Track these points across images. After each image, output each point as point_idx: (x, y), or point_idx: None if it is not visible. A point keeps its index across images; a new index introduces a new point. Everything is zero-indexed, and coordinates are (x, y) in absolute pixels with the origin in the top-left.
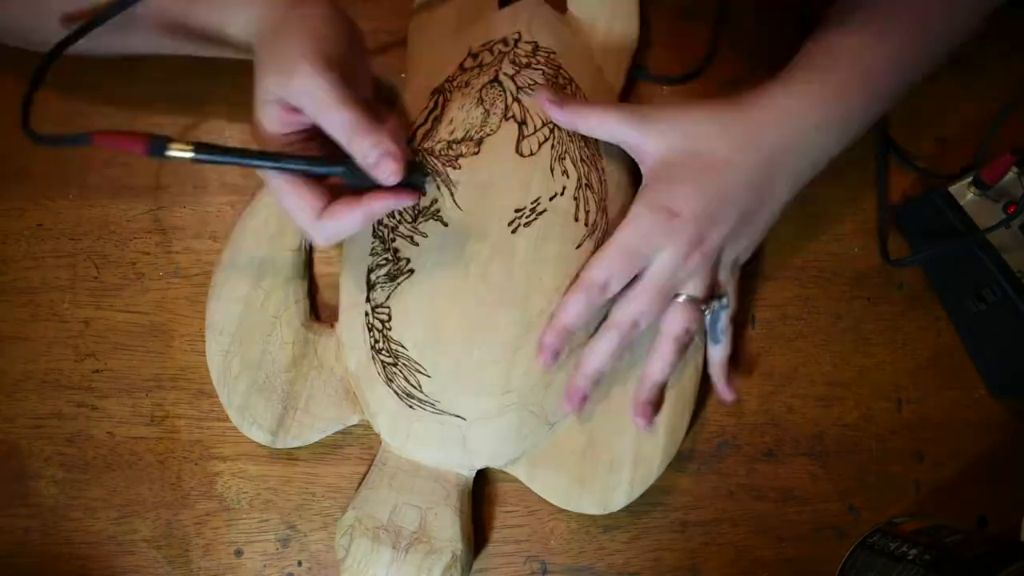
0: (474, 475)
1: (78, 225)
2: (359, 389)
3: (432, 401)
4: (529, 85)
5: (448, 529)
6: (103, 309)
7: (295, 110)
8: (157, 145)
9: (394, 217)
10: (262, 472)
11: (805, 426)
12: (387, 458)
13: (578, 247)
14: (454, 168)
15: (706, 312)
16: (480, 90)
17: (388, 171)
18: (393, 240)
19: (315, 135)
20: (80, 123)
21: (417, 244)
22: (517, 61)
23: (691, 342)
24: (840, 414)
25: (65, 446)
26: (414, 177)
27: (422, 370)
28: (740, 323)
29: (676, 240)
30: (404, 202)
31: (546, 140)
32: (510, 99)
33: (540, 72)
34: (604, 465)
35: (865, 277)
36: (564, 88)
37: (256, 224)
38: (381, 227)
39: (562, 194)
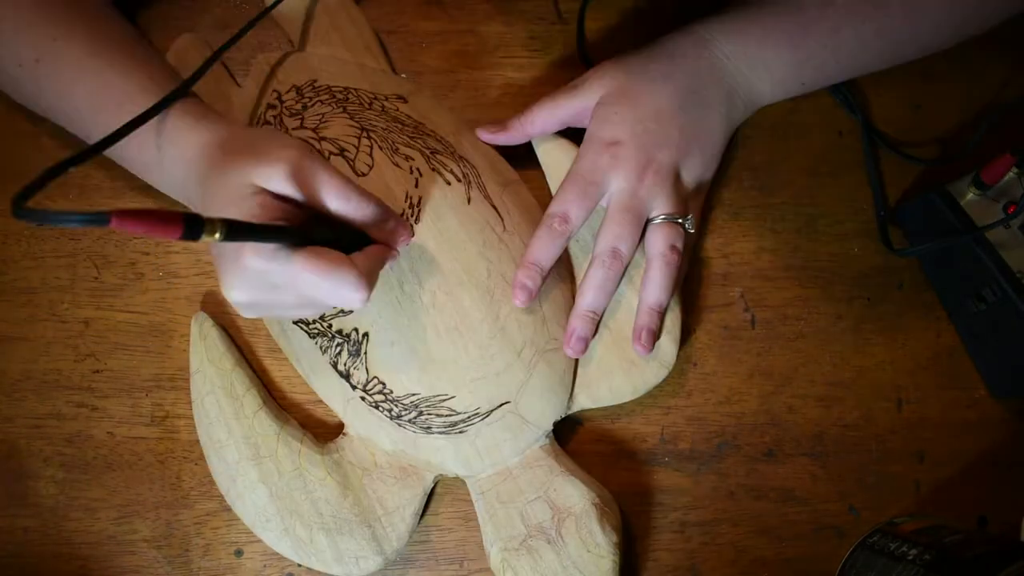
0: (552, 436)
1: None
2: (409, 458)
3: (473, 412)
4: (320, 120)
5: (573, 492)
6: (103, 309)
7: (279, 197)
8: (193, 228)
9: None
10: None
11: (805, 426)
12: (480, 486)
13: (468, 201)
14: None
15: (685, 226)
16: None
17: (405, 234)
18: (330, 326)
19: (290, 219)
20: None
21: (349, 312)
22: (293, 111)
23: (679, 260)
24: (840, 414)
25: (65, 446)
26: None
27: (445, 396)
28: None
29: (624, 164)
30: (394, 257)
31: (371, 147)
32: (316, 143)
33: (317, 103)
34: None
35: (865, 277)
36: (346, 99)
37: (212, 416)
38: (311, 327)
39: (421, 175)
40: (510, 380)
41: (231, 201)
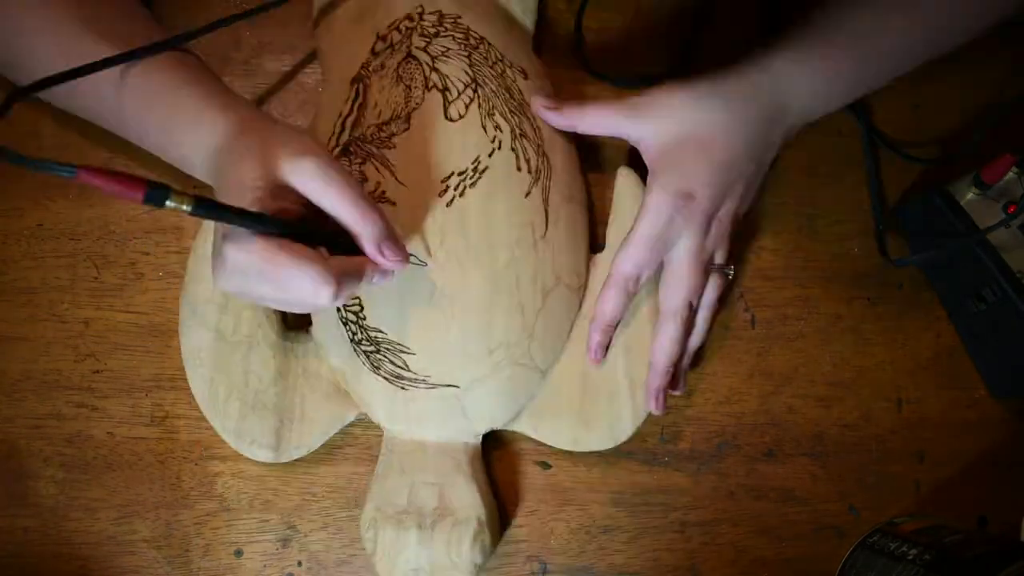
0: (480, 440)
1: (78, 225)
2: (348, 384)
3: (423, 377)
4: (443, 53)
5: (467, 497)
6: (103, 309)
7: (282, 197)
8: (157, 194)
9: None
10: (262, 472)
11: (805, 426)
12: (392, 444)
13: (527, 195)
14: (389, 148)
15: (730, 275)
16: (397, 69)
17: (397, 254)
18: None
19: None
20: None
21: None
22: (425, 33)
23: (719, 308)
24: (840, 414)
25: (65, 446)
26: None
27: (406, 349)
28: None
29: (695, 220)
30: (388, 278)
31: (472, 100)
32: (428, 70)
33: (450, 37)
34: (604, 399)
35: (865, 277)
36: (476, 47)
37: (208, 251)
38: None
39: (499, 148)
40: (470, 369)
41: (232, 186)
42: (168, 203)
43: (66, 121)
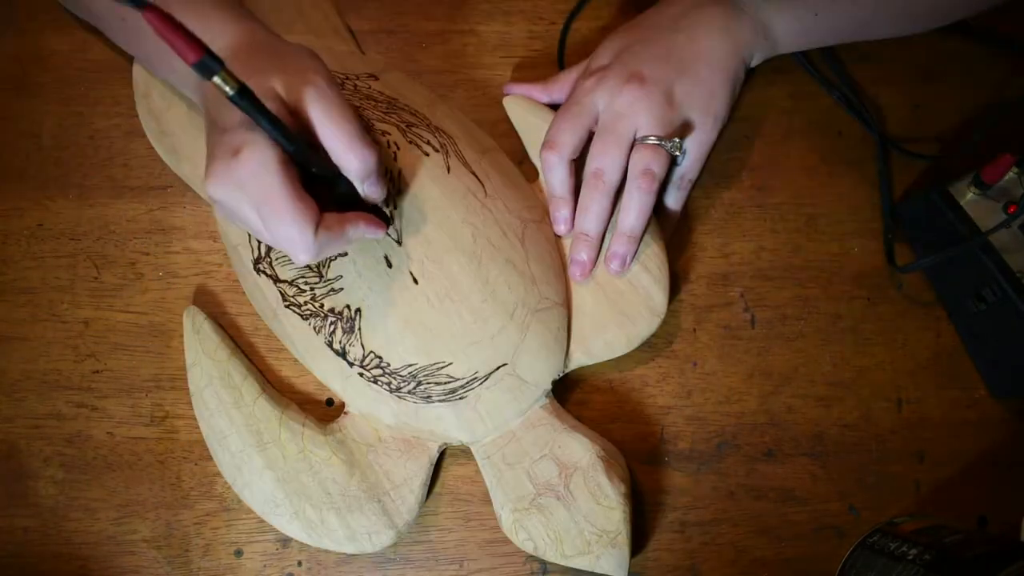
0: (551, 395)
1: (78, 225)
2: (412, 430)
3: (472, 376)
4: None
5: (578, 448)
6: (103, 309)
7: (288, 111)
8: (208, 65)
9: (304, 291)
10: None
11: (805, 426)
12: (485, 451)
13: (449, 171)
14: None
15: (666, 148)
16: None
17: (380, 190)
18: (321, 305)
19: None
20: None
21: (340, 289)
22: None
23: (657, 185)
24: (840, 414)
25: (65, 446)
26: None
27: (442, 363)
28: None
29: (608, 83)
30: (378, 232)
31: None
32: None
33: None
34: (627, 291)
35: (865, 277)
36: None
37: (212, 408)
38: (303, 308)
39: (399, 148)
40: (505, 342)
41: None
42: (215, 78)
43: (66, 123)
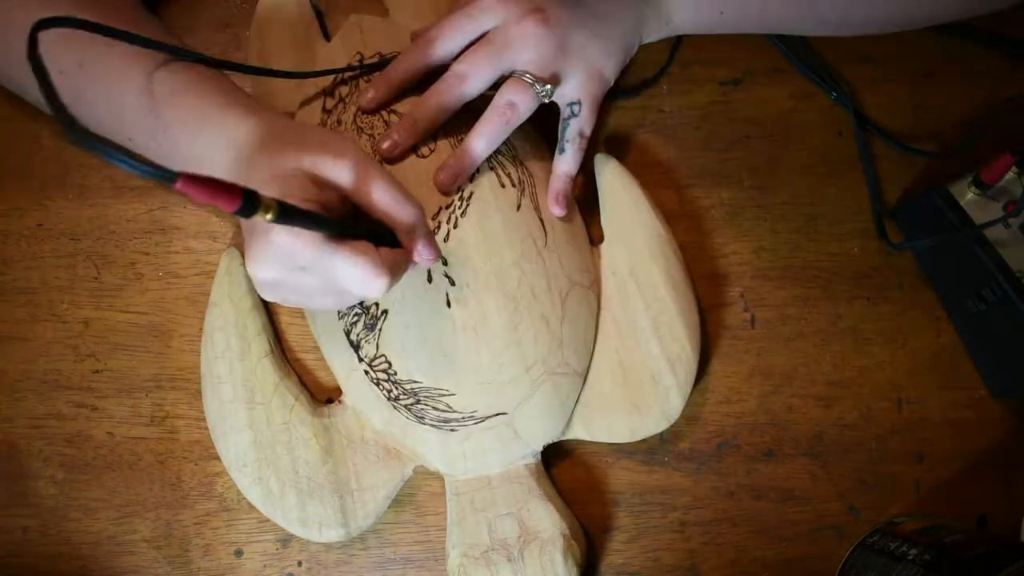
0: (540, 458)
1: (78, 225)
2: (396, 441)
3: (469, 414)
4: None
5: (546, 517)
6: (103, 309)
7: (320, 186)
8: (250, 202)
9: None
10: None
11: (805, 426)
12: (457, 487)
13: (518, 209)
14: None
15: (538, 91)
16: (354, 121)
17: (432, 250)
18: None
19: (326, 208)
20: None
21: None
22: (371, 78)
23: (515, 121)
24: (840, 414)
25: (65, 446)
26: None
27: (445, 392)
28: (593, 142)
29: (511, 6)
30: (430, 263)
31: (437, 132)
32: (385, 115)
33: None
34: (647, 383)
35: (865, 277)
36: (424, 80)
37: (218, 351)
38: None
39: (479, 171)
40: (513, 393)
41: (274, 179)
42: (257, 215)
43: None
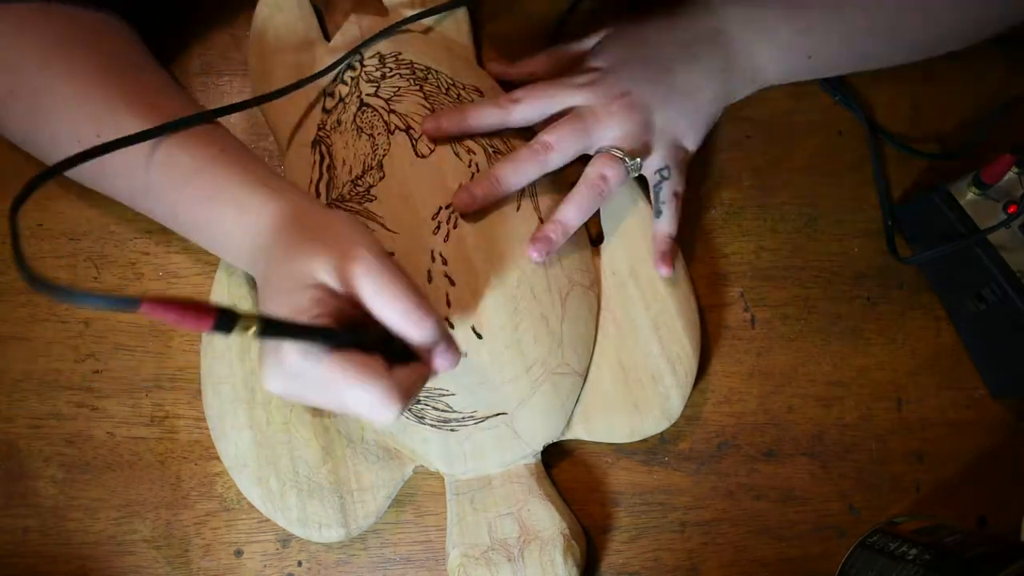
0: (540, 458)
1: (78, 225)
2: (396, 441)
3: (469, 414)
4: (395, 93)
5: (546, 517)
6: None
7: (335, 295)
8: (225, 321)
9: None
10: None
11: (805, 426)
12: (457, 487)
13: (518, 209)
14: (370, 201)
15: (627, 166)
16: (354, 121)
17: (451, 358)
18: None
19: (343, 317)
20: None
21: None
22: (371, 78)
23: (607, 193)
24: (840, 414)
25: (65, 446)
26: None
27: (444, 392)
28: (689, 201)
29: (598, 88)
30: (443, 371)
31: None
32: (385, 114)
33: (397, 76)
34: (647, 383)
35: (865, 277)
36: (425, 78)
37: (218, 352)
38: None
39: (477, 170)
40: (513, 392)
41: (287, 290)
42: (234, 333)
43: None
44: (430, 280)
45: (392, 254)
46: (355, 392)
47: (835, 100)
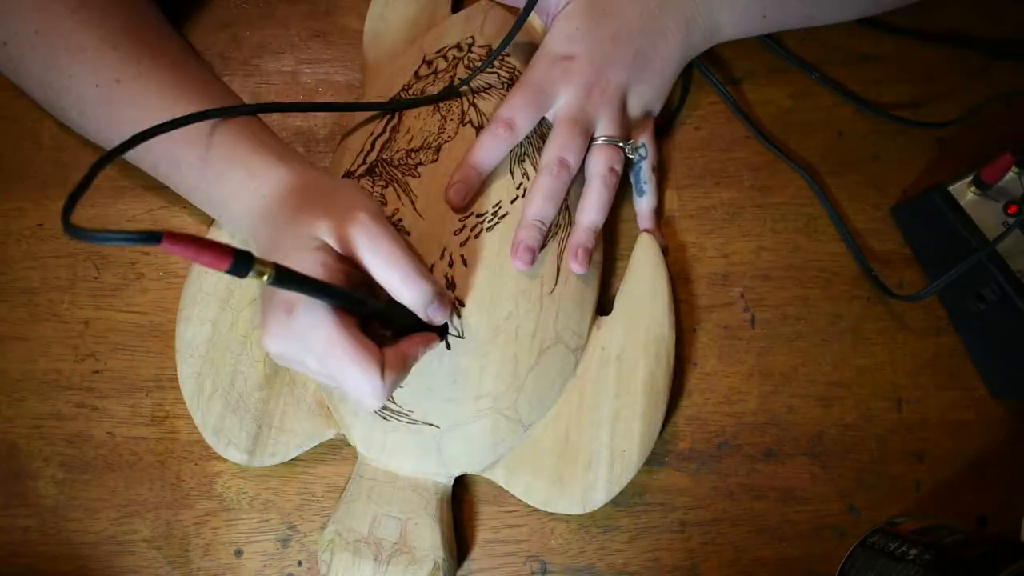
0: (452, 482)
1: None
2: (332, 402)
3: (405, 411)
4: (485, 89)
5: (428, 538)
6: (103, 309)
7: (341, 260)
8: (241, 264)
9: None
10: (262, 472)
11: (805, 426)
12: (364, 470)
13: (542, 248)
14: (414, 176)
15: (625, 151)
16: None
17: (443, 313)
18: None
19: (348, 282)
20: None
21: None
22: (471, 66)
23: (617, 181)
24: (840, 414)
25: (65, 446)
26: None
27: None
28: (662, 173)
29: (575, 79)
30: (434, 345)
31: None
32: (467, 105)
33: (495, 75)
34: (582, 464)
35: (865, 277)
36: None
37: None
38: None
39: (523, 197)
40: (454, 413)
41: (294, 249)
42: (251, 275)
43: (65, 126)
44: (431, 271)
45: (409, 233)
46: (353, 372)
47: (837, 101)
